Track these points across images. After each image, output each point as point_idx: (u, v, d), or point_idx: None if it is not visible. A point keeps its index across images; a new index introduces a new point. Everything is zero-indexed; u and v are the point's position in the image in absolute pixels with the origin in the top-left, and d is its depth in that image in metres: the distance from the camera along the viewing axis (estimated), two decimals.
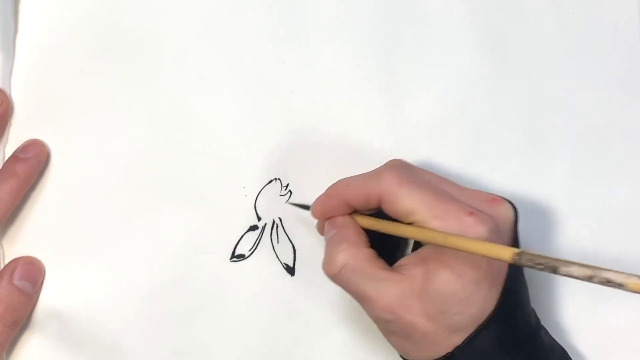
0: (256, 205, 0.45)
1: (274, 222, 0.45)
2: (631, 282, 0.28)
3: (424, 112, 0.46)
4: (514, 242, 0.39)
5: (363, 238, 0.40)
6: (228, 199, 0.44)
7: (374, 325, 0.40)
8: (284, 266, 0.45)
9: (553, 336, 0.42)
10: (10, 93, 0.42)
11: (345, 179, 0.41)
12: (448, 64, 0.47)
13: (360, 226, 0.40)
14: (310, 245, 0.45)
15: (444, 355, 0.37)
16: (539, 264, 0.31)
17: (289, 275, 0.45)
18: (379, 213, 0.40)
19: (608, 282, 0.29)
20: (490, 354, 0.37)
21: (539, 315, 0.41)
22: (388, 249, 0.41)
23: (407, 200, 0.37)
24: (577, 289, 0.47)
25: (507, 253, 0.32)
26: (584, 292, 0.47)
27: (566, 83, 0.48)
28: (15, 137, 0.42)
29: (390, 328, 0.38)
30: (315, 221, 0.43)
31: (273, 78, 0.45)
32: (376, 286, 0.37)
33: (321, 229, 0.42)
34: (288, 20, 0.45)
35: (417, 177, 0.38)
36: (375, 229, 0.40)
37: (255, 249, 0.45)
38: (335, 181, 0.41)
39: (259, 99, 0.45)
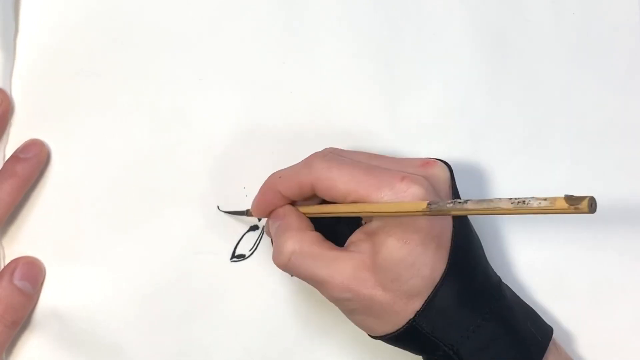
0: None
1: None
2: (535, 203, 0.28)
3: (424, 112, 0.46)
4: (454, 197, 0.39)
5: (306, 223, 0.40)
6: (228, 199, 0.44)
7: None
8: None
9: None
10: (10, 93, 0.42)
11: (276, 172, 0.41)
12: (448, 64, 0.47)
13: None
14: None
15: (407, 322, 0.37)
16: (449, 208, 0.32)
17: (289, 275, 0.45)
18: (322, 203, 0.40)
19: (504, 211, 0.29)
20: (453, 311, 0.37)
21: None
22: (336, 233, 0.41)
23: (339, 183, 0.37)
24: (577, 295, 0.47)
25: (421, 205, 0.33)
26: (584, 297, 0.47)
27: (566, 83, 0.48)
28: (16, 137, 0.43)
29: (350, 306, 0.38)
30: None
31: (273, 78, 0.45)
32: (328, 267, 0.38)
33: (268, 231, 0.42)
34: (288, 20, 0.45)
35: (347, 159, 0.39)
36: (315, 213, 0.40)
37: (256, 249, 0.45)
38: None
39: (259, 99, 0.45)
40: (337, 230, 0.41)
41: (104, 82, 0.43)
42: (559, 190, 0.47)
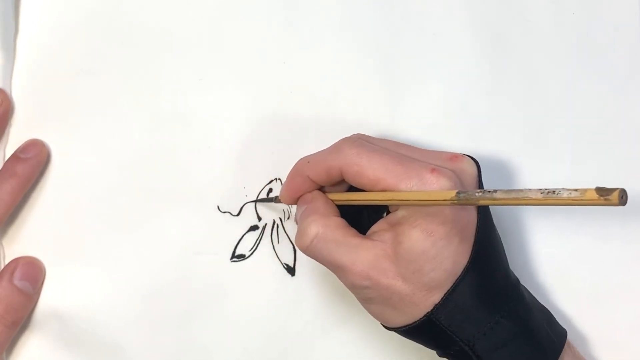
0: (256, 206, 0.45)
1: (274, 222, 0.45)
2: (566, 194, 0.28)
3: (424, 112, 0.46)
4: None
5: (333, 208, 0.40)
6: (228, 199, 0.44)
7: (374, 325, 0.40)
8: (284, 266, 0.45)
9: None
10: (10, 93, 0.42)
11: (304, 157, 0.41)
12: (448, 63, 0.47)
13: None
14: None
15: (425, 315, 0.37)
16: (477, 197, 0.32)
17: (289, 275, 0.45)
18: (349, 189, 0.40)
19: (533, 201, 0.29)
20: (471, 307, 0.37)
21: None
22: (360, 221, 0.41)
23: (369, 170, 0.37)
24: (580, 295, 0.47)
25: (450, 194, 0.33)
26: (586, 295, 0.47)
27: (566, 83, 0.48)
28: (16, 137, 0.43)
29: (367, 295, 0.38)
30: None
31: (273, 78, 0.45)
32: (349, 253, 0.37)
33: (296, 219, 0.42)
34: (288, 20, 0.45)
35: (376, 146, 0.39)
36: (342, 200, 0.40)
37: (256, 249, 0.45)
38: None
39: (259, 99, 0.45)
40: (360, 219, 0.41)
41: (104, 82, 0.43)
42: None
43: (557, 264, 0.47)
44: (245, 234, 0.45)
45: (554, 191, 0.29)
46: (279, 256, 0.45)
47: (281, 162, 0.45)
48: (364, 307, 0.40)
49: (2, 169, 0.42)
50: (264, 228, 0.45)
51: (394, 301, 0.37)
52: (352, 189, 0.40)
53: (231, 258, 0.44)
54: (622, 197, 0.27)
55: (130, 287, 0.43)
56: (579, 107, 0.48)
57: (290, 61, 0.45)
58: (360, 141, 0.39)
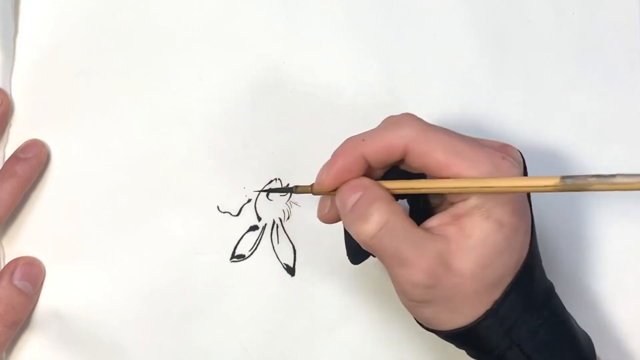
0: (256, 206, 0.45)
1: (274, 222, 0.45)
2: None
3: (424, 112, 0.46)
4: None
5: (392, 197, 0.35)
6: (228, 199, 0.44)
7: (374, 325, 0.40)
8: (284, 266, 0.45)
9: None
10: (10, 93, 0.42)
11: (356, 135, 0.36)
12: (448, 63, 0.47)
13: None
14: (310, 245, 0.45)
15: (484, 314, 0.35)
16: (591, 182, 0.29)
17: (289, 275, 0.45)
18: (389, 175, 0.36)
19: None
20: (523, 306, 0.35)
21: None
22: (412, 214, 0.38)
23: (438, 150, 0.33)
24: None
25: (552, 181, 0.30)
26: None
27: (566, 82, 0.48)
28: (16, 137, 0.43)
29: (426, 296, 0.34)
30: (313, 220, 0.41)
31: (273, 78, 0.45)
32: (416, 246, 0.34)
33: (324, 211, 0.38)
34: (288, 20, 0.45)
35: (436, 126, 0.35)
36: (404, 191, 0.35)
37: (256, 249, 0.45)
38: None
39: (259, 99, 0.45)
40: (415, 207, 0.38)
41: (104, 82, 0.43)
42: None
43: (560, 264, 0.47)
44: (245, 234, 0.45)
45: None
46: (279, 256, 0.45)
47: (281, 162, 0.45)
48: (411, 309, 0.36)
49: (2, 169, 0.42)
50: (263, 228, 0.45)
51: (456, 301, 0.34)
52: (387, 176, 0.36)
53: (231, 258, 0.44)
54: None
55: (130, 287, 0.43)
56: (578, 106, 0.48)
57: (290, 61, 0.45)
58: (421, 119, 0.35)
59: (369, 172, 0.36)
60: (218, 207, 0.44)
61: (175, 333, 0.44)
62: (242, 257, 0.44)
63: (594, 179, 0.28)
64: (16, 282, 0.41)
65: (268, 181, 0.45)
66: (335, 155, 0.36)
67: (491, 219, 0.34)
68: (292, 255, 0.45)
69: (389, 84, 0.46)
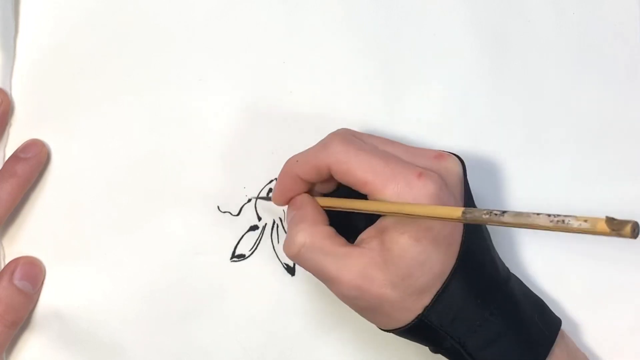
0: (256, 206, 0.45)
1: (274, 222, 0.45)
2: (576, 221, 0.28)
3: (424, 112, 0.46)
4: (465, 194, 0.39)
5: (321, 216, 0.39)
6: (228, 199, 0.44)
7: (374, 325, 0.40)
8: (284, 266, 0.45)
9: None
10: (10, 93, 0.42)
11: (293, 156, 0.40)
12: (448, 64, 0.47)
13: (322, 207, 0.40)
14: None
15: (416, 317, 0.37)
16: (485, 219, 0.31)
17: (289, 275, 0.45)
18: (338, 192, 0.40)
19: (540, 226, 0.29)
20: (460, 306, 0.37)
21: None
22: (351, 226, 0.40)
23: (356, 170, 0.37)
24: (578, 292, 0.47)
25: (456, 213, 0.32)
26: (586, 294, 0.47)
27: (566, 83, 0.48)
28: (16, 137, 0.43)
29: (358, 304, 0.38)
30: None
31: (273, 78, 0.45)
32: (337, 263, 0.37)
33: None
34: (288, 20, 0.45)
35: (364, 143, 0.38)
36: (333, 207, 0.40)
37: (256, 249, 0.45)
38: None
39: (259, 99, 0.45)
40: (351, 222, 0.40)
41: (104, 82, 0.43)
42: (558, 190, 0.47)
43: (555, 263, 0.47)
44: (245, 234, 0.45)
45: (563, 220, 0.28)
46: (279, 256, 0.45)
47: (281, 162, 0.45)
48: (358, 313, 0.40)
49: (2, 169, 0.42)
50: (264, 228, 0.45)
51: (385, 308, 0.37)
52: (341, 185, 0.39)
53: (231, 258, 0.44)
54: (635, 231, 0.26)
55: (130, 287, 0.43)
56: (579, 107, 0.48)
57: (290, 61, 0.45)
58: (348, 137, 0.38)
59: (320, 185, 0.41)
60: (218, 207, 0.44)
61: (175, 333, 0.44)
62: (242, 257, 0.44)
63: (487, 215, 0.31)
64: (16, 282, 0.41)
65: (268, 181, 0.45)
66: (278, 177, 0.41)
67: (406, 235, 0.36)
68: None
69: (388, 84, 0.46)
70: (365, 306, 0.38)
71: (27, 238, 0.43)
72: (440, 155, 0.38)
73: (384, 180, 0.36)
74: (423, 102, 0.46)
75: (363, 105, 0.46)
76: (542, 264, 0.47)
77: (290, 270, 0.45)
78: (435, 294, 0.37)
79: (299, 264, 0.39)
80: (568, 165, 0.48)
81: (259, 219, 0.45)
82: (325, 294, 0.45)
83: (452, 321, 0.37)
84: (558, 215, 0.28)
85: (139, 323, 0.43)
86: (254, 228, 0.45)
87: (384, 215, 0.38)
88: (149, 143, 0.44)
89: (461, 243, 0.37)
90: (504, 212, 0.30)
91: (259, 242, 0.45)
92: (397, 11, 0.46)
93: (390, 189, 0.36)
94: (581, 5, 0.48)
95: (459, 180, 0.38)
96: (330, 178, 0.39)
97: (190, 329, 0.44)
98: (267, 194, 0.45)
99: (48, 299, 0.43)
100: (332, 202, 0.40)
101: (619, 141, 0.48)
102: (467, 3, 0.47)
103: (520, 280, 0.41)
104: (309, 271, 0.39)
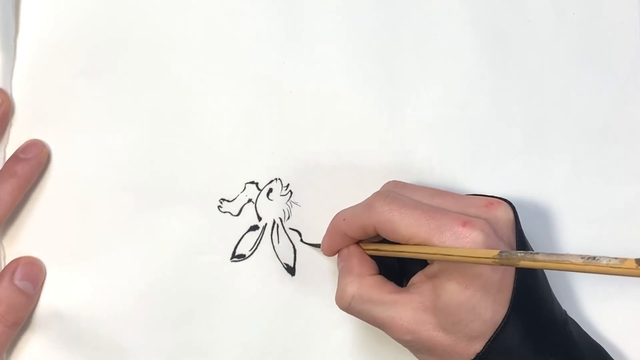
0: (256, 206, 0.45)
1: (274, 222, 0.45)
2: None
3: (424, 112, 0.46)
4: (518, 241, 0.39)
5: (368, 266, 0.41)
6: (228, 199, 0.44)
7: (374, 326, 0.41)
8: (284, 266, 0.45)
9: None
10: (11, 93, 0.42)
11: (341, 212, 0.42)
12: (448, 64, 0.47)
13: (368, 254, 0.42)
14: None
15: None
16: (519, 257, 0.32)
17: (289, 275, 0.45)
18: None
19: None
20: (516, 353, 0.37)
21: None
22: (402, 269, 0.42)
23: (401, 226, 0.38)
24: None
25: (490, 255, 0.34)
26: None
27: (566, 83, 0.48)
28: (16, 138, 0.43)
29: (413, 347, 0.39)
30: None
31: (273, 78, 0.45)
32: (388, 310, 0.38)
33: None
34: (288, 20, 0.45)
35: (408, 199, 0.39)
36: (379, 254, 0.41)
37: (256, 249, 0.45)
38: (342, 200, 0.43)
39: (259, 99, 0.45)
40: (403, 267, 0.42)
41: (104, 82, 0.43)
42: (558, 190, 0.47)
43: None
44: (245, 234, 0.45)
45: (594, 257, 0.30)
46: (279, 256, 0.45)
47: (281, 162, 0.45)
48: (415, 355, 0.40)
49: (2, 169, 0.42)
50: (264, 228, 0.45)
51: (438, 351, 0.38)
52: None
53: (231, 258, 0.44)
54: None
55: (130, 287, 0.43)
56: (579, 107, 0.48)
57: (290, 61, 0.45)
58: (392, 196, 0.39)
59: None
60: (218, 207, 0.44)
61: (175, 333, 0.44)
62: (242, 257, 0.44)
63: (521, 254, 0.32)
64: (17, 282, 0.41)
65: (268, 181, 0.45)
66: (327, 231, 0.43)
67: (454, 281, 0.37)
68: (292, 255, 0.45)
69: (388, 84, 0.46)
70: (420, 349, 0.39)
71: (28, 238, 0.43)
72: (490, 203, 0.39)
73: (429, 232, 0.37)
74: (423, 102, 0.46)
75: (363, 105, 0.46)
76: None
77: (290, 270, 0.45)
78: (488, 341, 0.37)
79: (352, 314, 0.40)
80: (568, 165, 0.48)
81: (259, 219, 0.45)
82: (326, 294, 0.45)
83: None
84: (589, 255, 0.30)
85: (139, 323, 0.43)
86: (254, 228, 0.45)
87: (431, 263, 0.39)
88: (149, 143, 0.44)
89: (513, 289, 0.37)
90: (537, 252, 0.32)
91: (259, 242, 0.45)
92: (397, 11, 0.46)
93: (436, 240, 0.36)
94: (581, 5, 0.48)
95: (511, 228, 0.38)
96: (377, 235, 0.40)
97: (190, 329, 0.44)
98: (267, 194, 0.45)
99: (48, 299, 0.43)
100: (379, 247, 0.41)
101: (619, 141, 0.48)
102: (467, 3, 0.47)
103: (577, 325, 0.41)
104: (363, 320, 0.40)
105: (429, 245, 0.37)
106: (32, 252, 0.43)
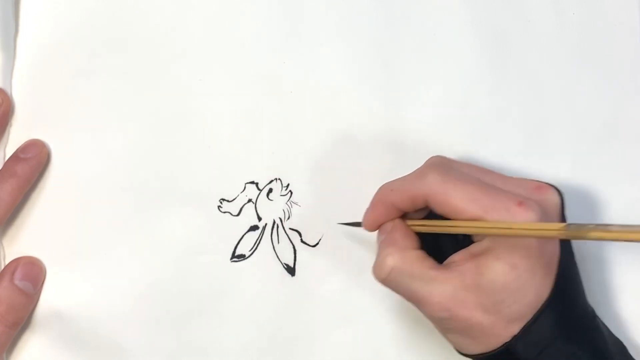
0: (256, 206, 0.45)
1: (274, 222, 0.45)
2: None
3: (424, 112, 0.46)
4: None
5: (412, 240, 0.40)
6: (228, 199, 0.44)
7: (374, 325, 0.41)
8: (284, 266, 0.45)
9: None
10: (11, 93, 0.42)
11: (387, 183, 0.40)
12: (448, 64, 0.47)
13: (412, 230, 0.40)
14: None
15: (503, 345, 0.37)
16: (589, 229, 0.31)
17: (289, 275, 0.45)
18: (430, 214, 0.40)
19: None
20: (550, 340, 0.37)
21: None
22: (439, 248, 0.40)
23: (455, 199, 0.37)
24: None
25: (556, 227, 0.32)
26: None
27: (566, 83, 0.48)
28: (16, 137, 0.43)
29: (447, 325, 0.38)
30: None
31: (273, 78, 0.45)
32: (427, 285, 0.37)
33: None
34: (288, 20, 0.45)
35: (460, 172, 0.38)
36: (426, 230, 0.40)
37: (256, 249, 0.45)
38: (372, 191, 0.41)
39: (259, 99, 0.45)
40: (439, 244, 0.41)
41: (104, 82, 0.43)
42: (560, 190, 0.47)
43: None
44: (245, 234, 0.45)
45: None
46: (279, 256, 0.45)
47: (281, 162, 0.45)
48: (443, 335, 0.40)
49: (2, 169, 0.42)
50: (264, 228, 0.45)
51: (474, 332, 0.37)
52: (432, 213, 0.39)
53: (231, 258, 0.44)
54: None
55: (130, 287, 0.43)
56: (579, 106, 0.48)
57: (290, 61, 0.45)
58: (444, 167, 0.38)
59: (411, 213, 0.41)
60: (218, 207, 0.44)
61: (175, 333, 0.44)
62: (242, 257, 0.44)
63: (592, 226, 0.30)
64: (17, 282, 0.41)
65: (268, 181, 0.45)
66: (372, 204, 0.41)
67: (502, 261, 0.36)
68: (292, 255, 0.45)
69: (388, 84, 0.46)
70: (453, 328, 0.38)
71: (27, 238, 0.43)
72: (540, 186, 0.38)
73: (484, 207, 0.36)
74: (423, 102, 0.46)
75: (363, 105, 0.46)
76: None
77: (290, 270, 0.45)
78: (526, 324, 0.37)
79: (388, 287, 0.39)
80: (568, 165, 0.48)
81: (259, 219, 0.45)
82: (326, 294, 0.45)
83: (539, 353, 0.37)
84: None
85: (139, 323, 0.43)
86: (254, 228, 0.45)
87: (478, 240, 0.38)
88: (149, 143, 0.44)
89: (556, 275, 0.37)
90: (610, 224, 0.30)
91: (259, 242, 0.45)
92: (397, 11, 0.46)
93: (491, 217, 0.36)
94: (581, 5, 0.48)
95: (558, 213, 0.38)
96: (424, 208, 0.39)
97: (190, 329, 0.44)
98: (267, 194, 0.45)
99: (48, 299, 0.43)
100: (425, 225, 0.40)
101: (619, 141, 0.48)
102: (467, 3, 0.47)
103: (602, 321, 0.41)
104: (399, 293, 0.39)
105: (476, 220, 0.36)
106: (32, 252, 0.43)
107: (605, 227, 0.30)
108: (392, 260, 0.38)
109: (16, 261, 0.42)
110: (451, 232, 0.38)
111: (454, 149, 0.46)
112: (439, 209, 0.38)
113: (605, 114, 0.48)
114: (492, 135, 0.47)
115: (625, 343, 0.41)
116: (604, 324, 0.41)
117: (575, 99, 0.48)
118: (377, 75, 0.46)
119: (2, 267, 0.42)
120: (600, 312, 0.41)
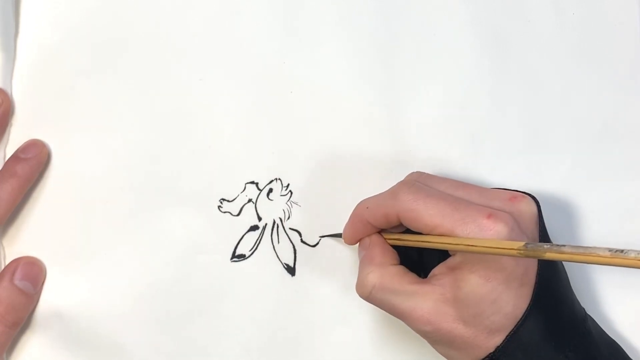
0: (257, 206, 0.45)
1: (274, 222, 0.45)
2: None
3: (424, 112, 0.46)
4: (541, 235, 0.39)
5: (390, 256, 0.41)
6: (228, 199, 0.44)
7: (374, 325, 0.41)
8: (284, 266, 0.45)
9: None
10: (11, 93, 0.42)
11: (364, 200, 0.41)
12: (448, 64, 0.47)
13: (390, 243, 0.41)
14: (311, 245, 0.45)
15: (487, 356, 0.37)
16: (545, 249, 0.32)
17: (289, 275, 0.45)
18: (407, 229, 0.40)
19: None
20: (535, 347, 0.37)
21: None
22: (422, 261, 0.42)
23: (425, 216, 0.37)
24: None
25: (515, 246, 0.33)
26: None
27: (566, 83, 0.48)
28: (16, 137, 0.43)
29: (433, 338, 0.39)
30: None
31: (273, 78, 0.45)
32: (408, 301, 0.38)
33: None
34: (288, 20, 0.45)
35: (433, 189, 0.39)
36: (401, 244, 0.41)
37: (256, 249, 0.45)
38: (354, 198, 0.42)
39: (259, 99, 0.45)
40: (422, 258, 0.42)
41: (104, 82, 0.43)
42: (558, 190, 0.47)
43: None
44: (245, 234, 0.45)
45: (622, 251, 0.29)
46: (279, 256, 0.45)
47: (281, 162, 0.45)
48: (432, 347, 0.40)
49: (2, 169, 0.42)
50: (264, 228, 0.45)
51: (457, 343, 0.38)
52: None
53: (231, 258, 0.44)
54: None
55: (130, 287, 0.43)
56: (579, 107, 0.48)
57: (290, 61, 0.45)
58: (417, 185, 0.39)
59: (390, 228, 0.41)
60: (218, 207, 0.44)
61: (175, 333, 0.44)
62: (242, 257, 0.44)
63: (547, 246, 0.32)
64: (17, 282, 0.41)
65: (268, 181, 0.45)
66: (350, 220, 0.42)
67: (476, 274, 0.37)
68: (292, 255, 0.45)
69: (388, 84, 0.46)
70: (439, 340, 0.39)
71: (27, 238, 0.43)
72: (515, 196, 0.39)
73: (453, 223, 0.37)
74: (423, 102, 0.46)
75: (363, 105, 0.46)
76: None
77: (290, 270, 0.45)
78: (508, 334, 0.37)
79: (372, 304, 0.40)
80: (568, 165, 0.48)
81: (259, 219, 0.45)
82: (325, 294, 0.45)
83: None
84: (617, 248, 0.29)
85: (139, 323, 0.43)
86: (254, 228, 0.45)
87: (453, 254, 0.38)
88: (149, 143, 0.44)
89: (535, 283, 0.37)
90: (563, 245, 0.31)
91: (259, 242, 0.45)
92: (397, 11, 0.46)
93: (460, 231, 0.36)
94: (581, 5, 0.48)
95: (534, 222, 0.38)
96: (400, 224, 0.40)
97: (190, 329, 0.44)
98: (267, 194, 0.45)
99: (48, 299, 0.43)
100: (401, 237, 0.41)
101: (619, 141, 0.48)
102: (467, 3, 0.47)
103: (596, 322, 0.41)
104: (383, 309, 0.40)
105: (452, 236, 0.37)
106: (32, 252, 0.43)
107: (559, 247, 0.31)
108: (373, 277, 0.39)
109: (16, 261, 0.42)
110: (423, 247, 0.39)
111: (454, 149, 0.46)
112: (412, 226, 0.39)
113: (605, 114, 0.48)
114: (492, 135, 0.47)
115: (621, 344, 0.41)
116: (597, 326, 0.41)
117: (575, 98, 0.48)
118: (377, 75, 0.46)
119: (2, 267, 0.42)
120: (591, 313, 0.41)
